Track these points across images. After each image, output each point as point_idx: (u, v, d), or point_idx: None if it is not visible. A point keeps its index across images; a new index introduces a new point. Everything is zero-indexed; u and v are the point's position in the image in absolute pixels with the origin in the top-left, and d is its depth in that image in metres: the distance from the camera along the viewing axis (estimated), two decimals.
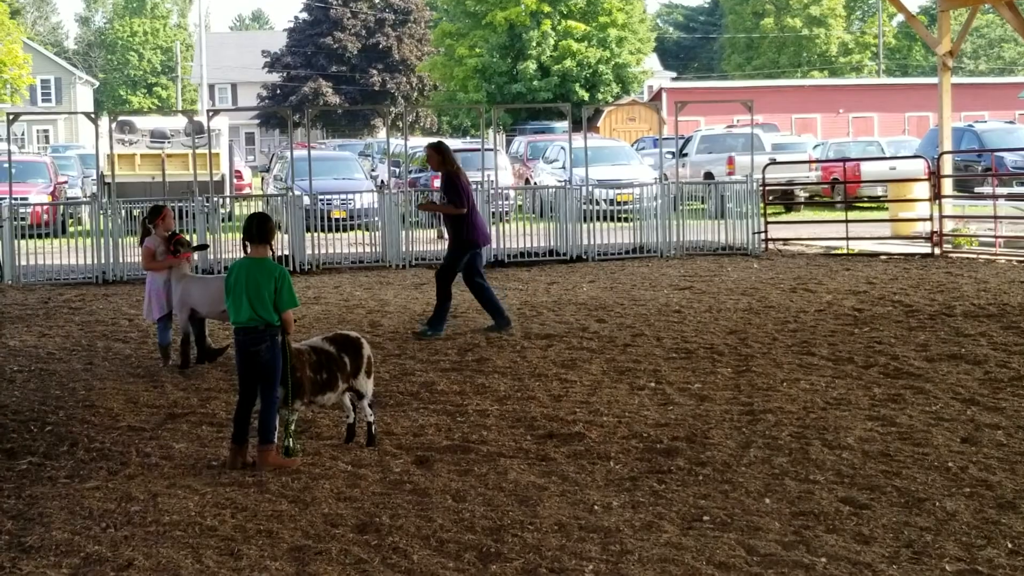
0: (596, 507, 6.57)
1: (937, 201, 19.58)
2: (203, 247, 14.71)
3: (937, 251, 19.00)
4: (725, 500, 6.66)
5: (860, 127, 53.47)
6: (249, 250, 7.68)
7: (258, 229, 7.69)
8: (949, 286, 15.13)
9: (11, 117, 18.96)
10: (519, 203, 26.03)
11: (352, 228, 20.86)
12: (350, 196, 22.95)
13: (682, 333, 12.10)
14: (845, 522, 6.28)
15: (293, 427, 7.59)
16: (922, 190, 20.84)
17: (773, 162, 22.92)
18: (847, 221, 20.17)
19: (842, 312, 13.24)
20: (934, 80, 27.79)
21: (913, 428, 8.12)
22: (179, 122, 28.75)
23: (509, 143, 44.46)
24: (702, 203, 21.74)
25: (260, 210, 19.05)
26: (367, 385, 8.04)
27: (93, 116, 20.16)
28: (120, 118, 28.27)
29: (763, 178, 20.66)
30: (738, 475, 7.12)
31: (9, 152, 19.72)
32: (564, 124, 51.30)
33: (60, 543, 6.08)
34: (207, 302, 10.70)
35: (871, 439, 7.86)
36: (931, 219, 19.45)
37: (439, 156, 12.22)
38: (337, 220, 20.98)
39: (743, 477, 7.08)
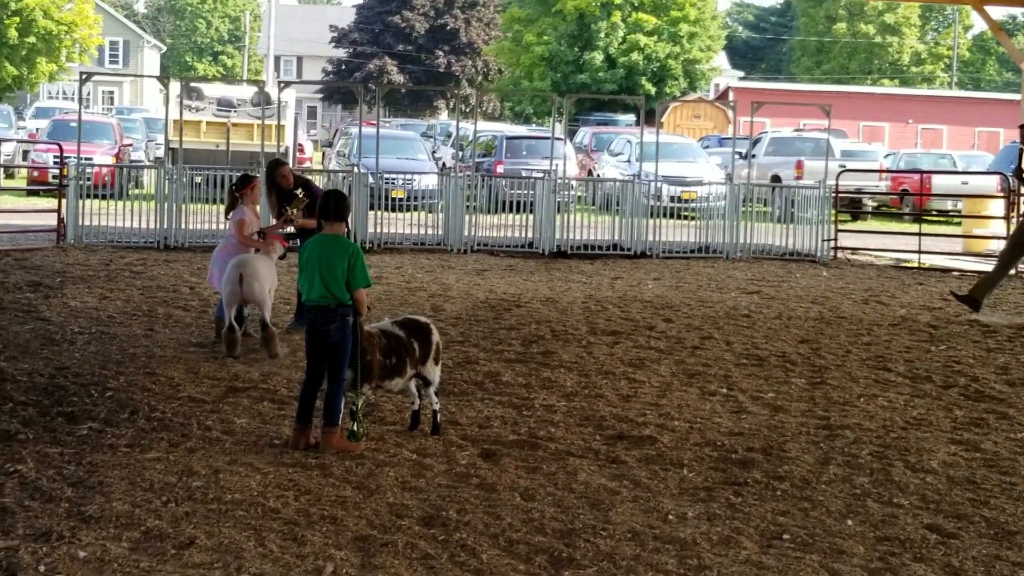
0: (671, 516, 6.31)
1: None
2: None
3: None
4: (805, 518, 6.38)
5: (929, 139, 52.58)
6: (324, 227, 7.49)
7: (335, 206, 7.50)
8: None
9: (84, 76, 18.90)
10: (579, 194, 25.74)
11: (411, 209, 20.67)
12: (413, 176, 22.81)
13: (752, 339, 11.78)
14: (932, 551, 5.98)
15: (360, 411, 7.40)
16: (997, 207, 20.33)
17: (846, 169, 22.41)
18: (920, 234, 19.66)
19: (917, 328, 12.85)
20: (1007, 96, 27.25)
21: (999, 455, 7.78)
22: (246, 91, 28.66)
23: (573, 133, 44.15)
24: (765, 206, 21.32)
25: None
26: (435, 372, 7.83)
27: (166, 80, 20.08)
28: (190, 84, 28.26)
29: (836, 185, 20.21)
30: (818, 493, 6.83)
31: (80, 112, 19.63)
32: (628, 117, 51.07)
33: (120, 515, 5.91)
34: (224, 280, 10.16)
35: (955, 464, 7.54)
36: (1007, 237, 18.86)
37: (290, 172, 11.52)
38: (395, 200, 20.80)
39: (823, 495, 6.79)
